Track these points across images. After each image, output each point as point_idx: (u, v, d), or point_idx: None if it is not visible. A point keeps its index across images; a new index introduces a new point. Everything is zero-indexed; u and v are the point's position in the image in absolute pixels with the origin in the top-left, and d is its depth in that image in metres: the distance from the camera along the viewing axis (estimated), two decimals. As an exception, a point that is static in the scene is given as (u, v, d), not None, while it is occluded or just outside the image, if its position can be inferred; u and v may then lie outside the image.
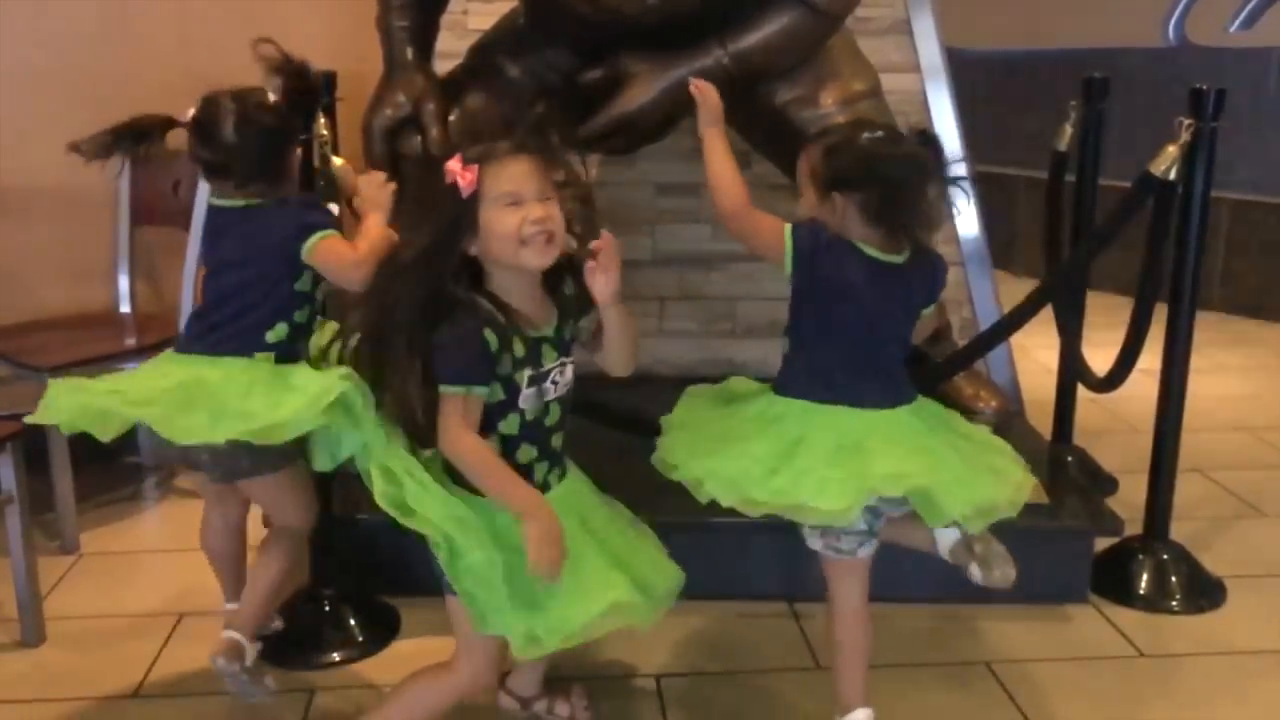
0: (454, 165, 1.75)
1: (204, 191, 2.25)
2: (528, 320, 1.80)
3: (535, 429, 1.81)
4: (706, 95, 2.01)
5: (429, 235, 1.78)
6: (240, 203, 2.05)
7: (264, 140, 2.02)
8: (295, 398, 1.90)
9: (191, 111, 2.05)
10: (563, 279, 1.86)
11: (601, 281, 1.81)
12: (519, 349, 1.77)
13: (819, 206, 1.91)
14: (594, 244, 1.81)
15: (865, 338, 1.92)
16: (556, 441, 1.86)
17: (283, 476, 2.07)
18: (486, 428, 1.79)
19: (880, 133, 1.93)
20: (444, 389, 1.74)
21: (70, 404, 1.96)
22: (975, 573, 1.94)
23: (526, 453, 1.82)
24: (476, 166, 1.74)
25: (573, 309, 1.87)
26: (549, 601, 1.73)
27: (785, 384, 1.97)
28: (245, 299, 2.00)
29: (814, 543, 1.95)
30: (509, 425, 1.80)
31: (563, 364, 1.84)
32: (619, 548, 1.86)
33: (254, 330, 2.00)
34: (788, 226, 1.90)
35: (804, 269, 1.90)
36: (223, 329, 2.00)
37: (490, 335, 1.74)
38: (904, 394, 1.96)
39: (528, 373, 1.78)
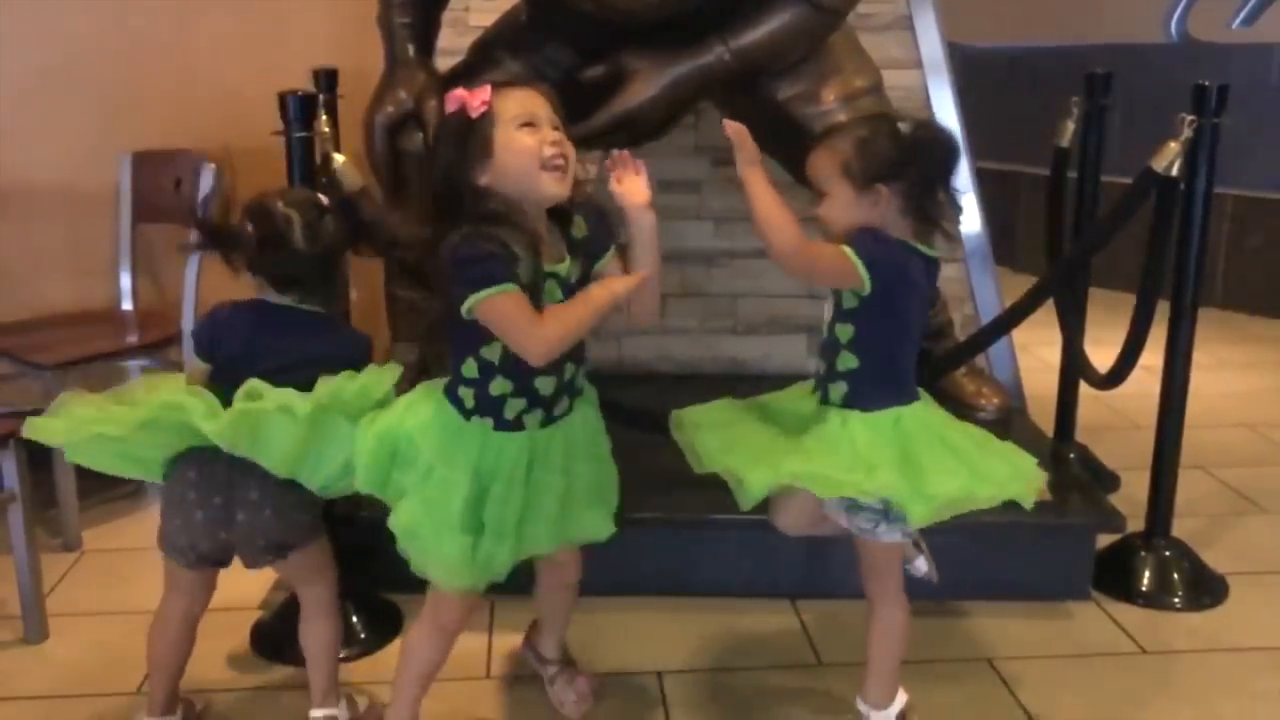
0: (460, 92, 1.71)
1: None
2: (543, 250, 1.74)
3: (516, 365, 1.75)
4: (742, 138, 1.85)
5: (439, 161, 1.74)
6: (301, 306, 1.97)
7: (329, 252, 1.95)
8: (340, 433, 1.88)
9: (250, 227, 1.90)
10: (571, 219, 1.81)
11: (633, 183, 1.79)
12: (525, 274, 1.70)
13: (858, 201, 1.84)
14: (613, 156, 1.80)
15: (919, 334, 1.96)
16: (543, 386, 1.80)
17: (324, 539, 2.01)
18: (467, 349, 1.77)
19: (905, 121, 1.90)
20: (483, 296, 1.66)
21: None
22: (921, 565, 2.02)
23: (500, 386, 1.78)
24: (489, 87, 1.71)
25: (583, 251, 1.82)
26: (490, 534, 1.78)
27: (866, 398, 1.90)
28: None
29: (843, 519, 1.94)
30: (490, 351, 1.77)
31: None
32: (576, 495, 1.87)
33: None
34: (844, 247, 1.82)
35: (878, 278, 1.83)
36: None
37: (511, 241, 1.68)
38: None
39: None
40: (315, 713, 2.02)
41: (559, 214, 1.80)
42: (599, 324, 1.78)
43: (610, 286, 1.78)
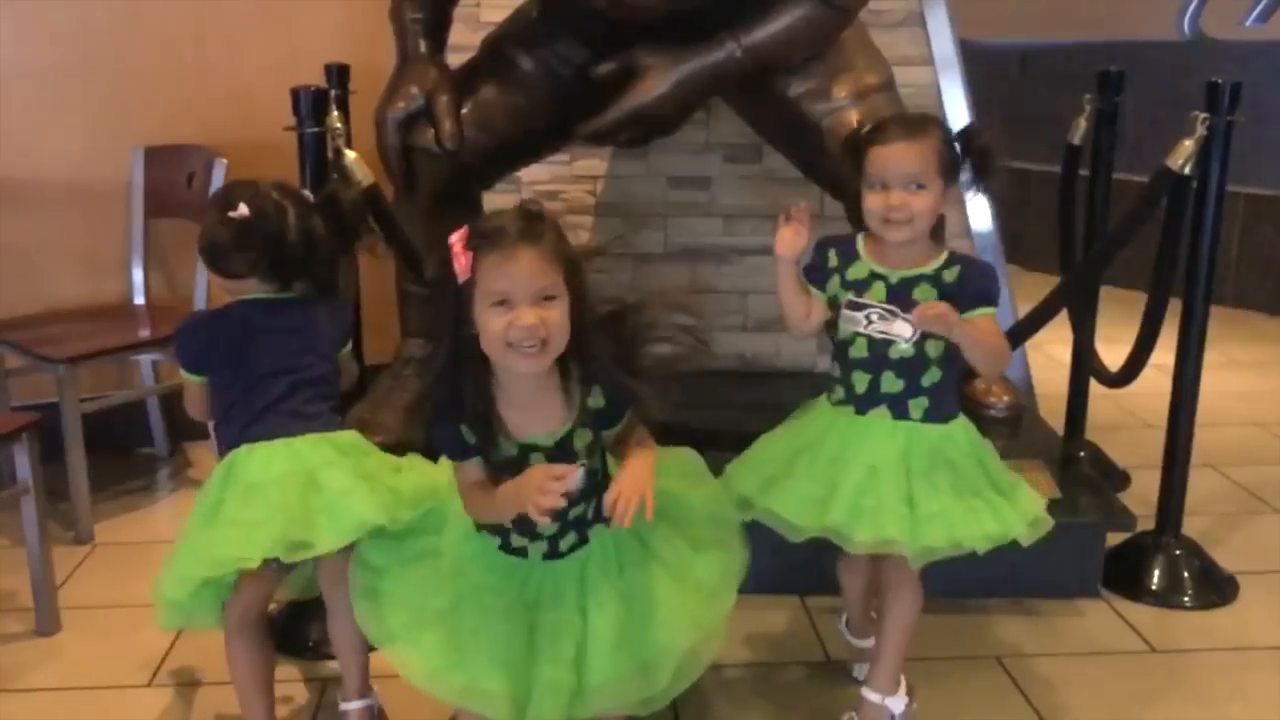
0: (455, 242, 1.60)
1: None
2: (516, 428, 1.66)
3: (525, 522, 1.66)
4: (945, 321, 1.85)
5: (441, 319, 1.66)
6: (286, 295, 1.99)
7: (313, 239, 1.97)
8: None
9: (243, 209, 1.91)
10: (591, 384, 1.67)
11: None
12: (504, 450, 1.66)
13: (943, 197, 1.93)
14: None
15: None
16: (544, 528, 1.69)
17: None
18: None
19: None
20: (450, 463, 1.72)
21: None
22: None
23: (518, 540, 1.73)
24: (471, 255, 1.58)
25: (591, 419, 1.68)
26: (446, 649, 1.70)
27: (942, 410, 1.98)
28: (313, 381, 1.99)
29: None
30: None
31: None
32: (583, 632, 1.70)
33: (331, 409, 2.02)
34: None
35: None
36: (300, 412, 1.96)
37: (466, 432, 1.66)
38: None
39: (506, 479, 1.65)
40: (355, 703, 2.04)
41: (573, 374, 1.67)
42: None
43: (516, 504, 1.62)
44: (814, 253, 2.01)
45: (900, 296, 1.93)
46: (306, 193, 1.98)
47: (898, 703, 2.02)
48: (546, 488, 1.56)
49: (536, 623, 1.70)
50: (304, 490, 1.86)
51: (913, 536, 1.88)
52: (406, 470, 1.97)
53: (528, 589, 1.72)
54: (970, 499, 1.93)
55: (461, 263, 1.58)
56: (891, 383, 1.94)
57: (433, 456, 1.86)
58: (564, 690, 1.66)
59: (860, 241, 1.99)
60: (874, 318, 1.92)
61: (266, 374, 1.93)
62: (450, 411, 1.65)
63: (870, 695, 2.02)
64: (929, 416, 1.95)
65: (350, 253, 2.11)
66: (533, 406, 1.66)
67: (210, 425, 2.00)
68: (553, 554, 1.72)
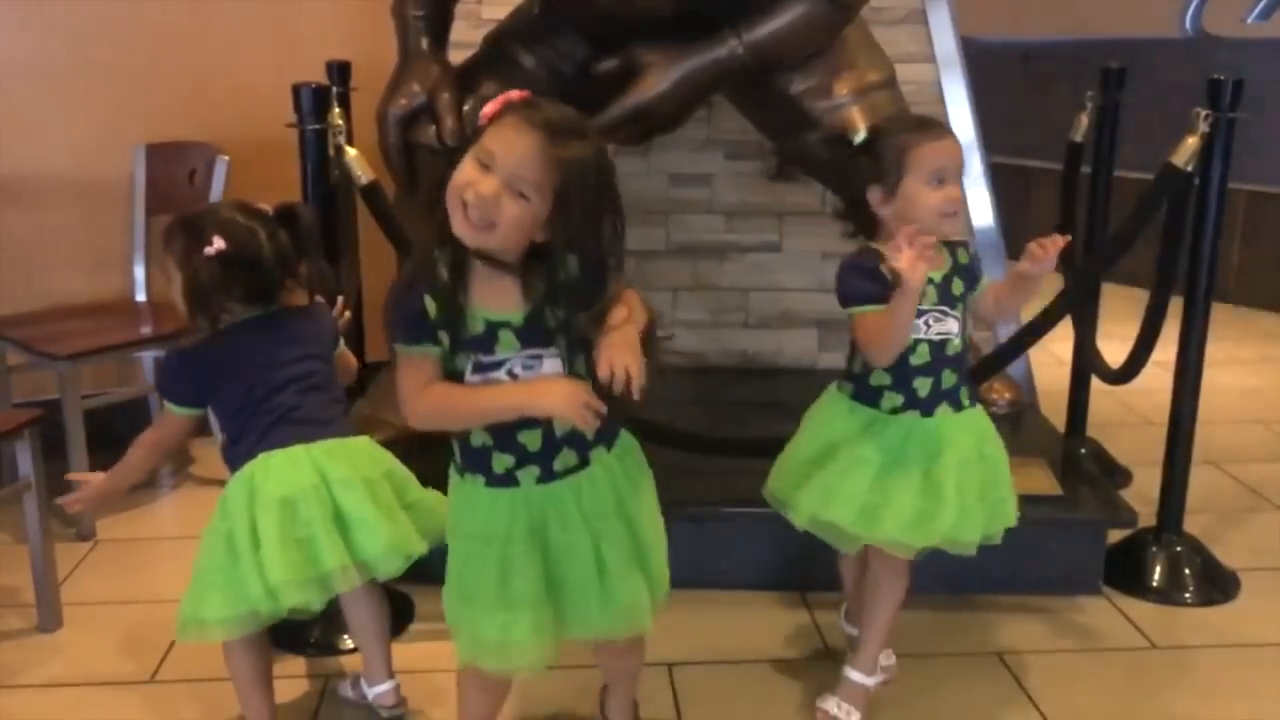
0: (504, 97, 1.56)
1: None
2: (488, 298, 1.58)
3: (510, 440, 1.62)
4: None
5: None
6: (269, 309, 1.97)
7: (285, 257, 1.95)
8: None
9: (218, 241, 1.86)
10: (563, 261, 1.58)
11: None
12: (471, 327, 1.58)
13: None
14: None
15: None
16: (528, 441, 1.63)
17: None
18: None
19: None
20: (397, 350, 1.60)
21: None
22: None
23: (480, 437, 1.65)
24: (498, 110, 1.55)
25: (568, 295, 1.57)
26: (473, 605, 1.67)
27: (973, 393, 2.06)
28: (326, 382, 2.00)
29: None
30: None
31: (532, 355, 1.60)
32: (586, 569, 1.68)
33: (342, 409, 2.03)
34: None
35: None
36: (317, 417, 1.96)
37: (430, 302, 1.56)
38: None
39: (473, 358, 1.59)
40: (381, 686, 2.08)
41: (543, 252, 1.59)
42: (491, 420, 1.61)
43: (529, 396, 1.57)
44: (876, 274, 1.92)
45: (944, 294, 1.96)
46: (263, 206, 1.96)
47: (873, 680, 2.10)
48: (585, 400, 1.51)
49: (548, 554, 1.66)
50: (329, 513, 1.87)
51: (987, 525, 2.00)
52: (414, 492, 2.00)
53: (532, 518, 1.65)
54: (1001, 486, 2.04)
55: (487, 110, 1.55)
56: (949, 378, 1.98)
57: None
58: (589, 614, 1.68)
59: (889, 252, 1.95)
60: (931, 321, 1.94)
61: (275, 388, 1.92)
62: (419, 279, 1.57)
63: (854, 676, 2.07)
64: (972, 398, 2.04)
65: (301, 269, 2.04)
66: (499, 281, 1.59)
67: (220, 448, 1.98)
68: (547, 476, 1.65)
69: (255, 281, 1.90)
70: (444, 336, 1.58)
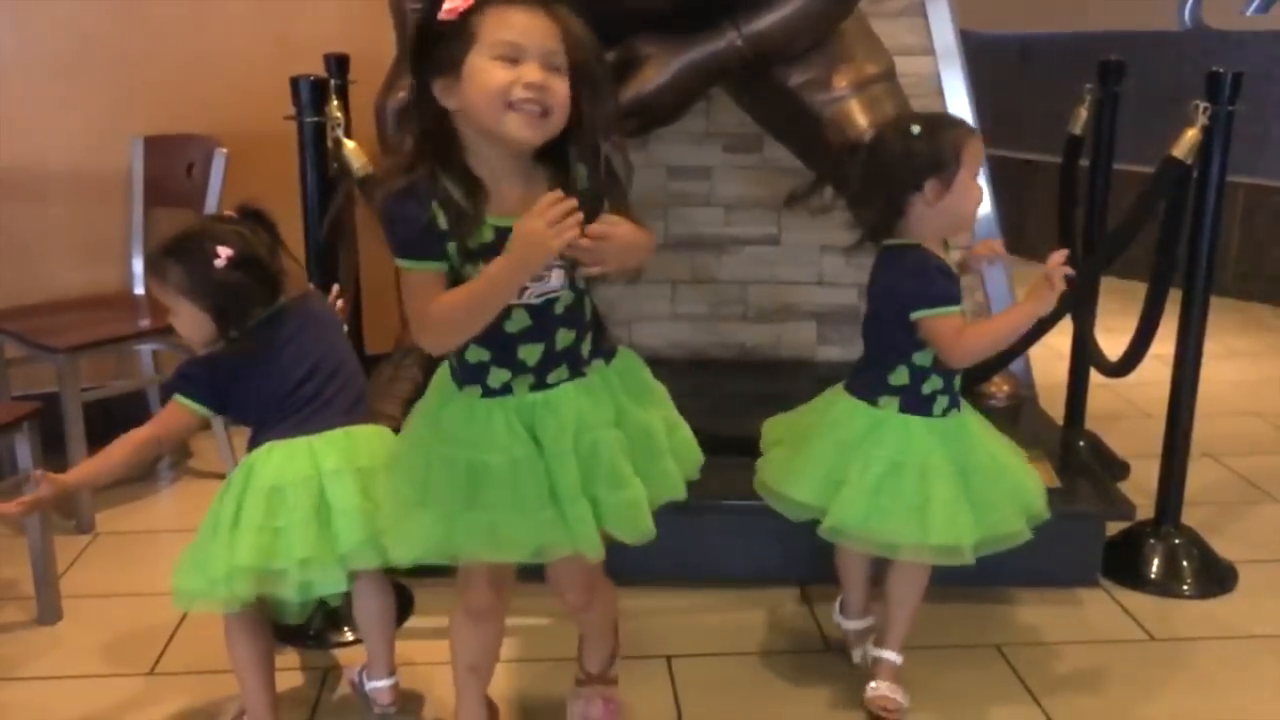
0: None
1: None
2: (500, 204, 1.54)
3: (491, 331, 1.58)
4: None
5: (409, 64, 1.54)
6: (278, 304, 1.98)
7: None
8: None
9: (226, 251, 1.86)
10: (570, 164, 1.55)
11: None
12: (482, 236, 1.53)
13: None
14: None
15: None
16: (527, 355, 1.61)
17: None
18: None
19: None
20: (397, 262, 1.55)
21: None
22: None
23: (476, 353, 1.62)
24: (470, 5, 1.47)
25: (579, 205, 1.50)
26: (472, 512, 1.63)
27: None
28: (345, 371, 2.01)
29: None
30: None
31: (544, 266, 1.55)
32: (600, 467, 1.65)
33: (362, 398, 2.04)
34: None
35: None
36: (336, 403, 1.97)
37: (438, 213, 1.51)
38: None
39: (482, 267, 1.53)
40: (384, 681, 2.07)
41: (556, 156, 1.56)
42: (500, 303, 1.56)
43: (517, 254, 1.49)
44: (951, 274, 1.96)
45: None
46: (229, 213, 1.98)
47: (899, 657, 2.13)
48: (551, 216, 1.44)
49: (547, 461, 1.63)
50: (314, 504, 1.86)
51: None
52: None
53: (524, 424, 1.63)
54: None
55: (460, 3, 1.47)
56: (940, 382, 2.00)
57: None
58: (590, 519, 1.64)
59: (940, 250, 1.98)
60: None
61: (298, 381, 1.93)
62: (422, 188, 1.50)
63: (886, 655, 2.12)
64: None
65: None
66: (509, 182, 1.55)
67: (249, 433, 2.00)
68: (540, 387, 1.64)
69: (267, 277, 1.92)
70: (452, 249, 1.54)
